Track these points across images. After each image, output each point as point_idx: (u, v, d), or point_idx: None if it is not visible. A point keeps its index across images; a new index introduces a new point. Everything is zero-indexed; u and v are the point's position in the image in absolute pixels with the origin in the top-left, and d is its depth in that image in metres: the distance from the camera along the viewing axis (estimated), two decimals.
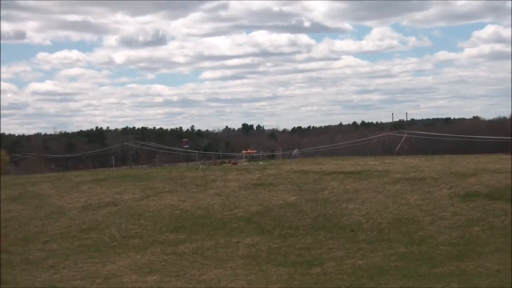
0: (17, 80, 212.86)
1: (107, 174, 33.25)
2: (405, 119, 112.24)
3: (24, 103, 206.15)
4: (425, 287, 11.46)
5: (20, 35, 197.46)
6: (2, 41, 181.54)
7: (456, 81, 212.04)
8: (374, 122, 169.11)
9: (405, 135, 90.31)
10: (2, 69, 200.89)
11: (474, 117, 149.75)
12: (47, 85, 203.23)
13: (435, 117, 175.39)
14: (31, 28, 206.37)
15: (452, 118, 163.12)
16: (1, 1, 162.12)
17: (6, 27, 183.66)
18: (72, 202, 24.53)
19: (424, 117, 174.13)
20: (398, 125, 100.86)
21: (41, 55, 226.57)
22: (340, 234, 17.64)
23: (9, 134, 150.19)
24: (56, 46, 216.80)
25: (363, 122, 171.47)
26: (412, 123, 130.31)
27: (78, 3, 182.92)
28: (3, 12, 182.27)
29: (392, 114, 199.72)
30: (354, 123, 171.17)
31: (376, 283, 12.18)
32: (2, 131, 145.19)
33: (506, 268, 12.65)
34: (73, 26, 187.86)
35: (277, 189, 23.96)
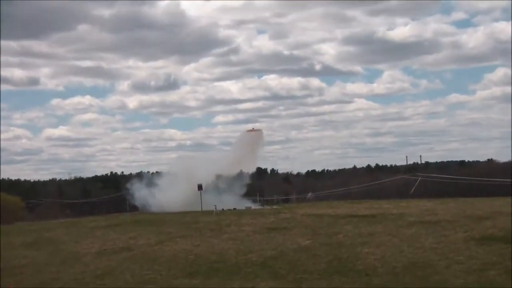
0: (31, 126, 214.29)
1: (121, 219, 33.33)
2: (419, 162, 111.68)
3: (39, 148, 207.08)
4: None
5: (34, 81, 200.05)
6: (16, 88, 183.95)
7: (469, 124, 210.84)
8: (388, 165, 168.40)
9: (420, 178, 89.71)
10: (16, 115, 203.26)
11: (488, 159, 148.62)
12: (61, 131, 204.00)
13: (450, 159, 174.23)
14: (45, 75, 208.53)
15: (466, 160, 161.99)
16: (16, 48, 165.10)
17: (20, 73, 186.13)
18: (86, 248, 24.59)
19: (439, 160, 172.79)
20: (413, 168, 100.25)
21: (55, 101, 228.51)
22: (355, 278, 17.50)
23: (25, 180, 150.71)
24: (69, 92, 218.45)
25: (377, 165, 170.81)
26: (427, 166, 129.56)
27: (91, 49, 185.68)
28: (17, 59, 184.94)
29: (406, 156, 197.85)
30: (368, 166, 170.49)
31: None
32: (17, 177, 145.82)
33: None
34: (86, 72, 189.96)
35: (291, 233, 23.90)
